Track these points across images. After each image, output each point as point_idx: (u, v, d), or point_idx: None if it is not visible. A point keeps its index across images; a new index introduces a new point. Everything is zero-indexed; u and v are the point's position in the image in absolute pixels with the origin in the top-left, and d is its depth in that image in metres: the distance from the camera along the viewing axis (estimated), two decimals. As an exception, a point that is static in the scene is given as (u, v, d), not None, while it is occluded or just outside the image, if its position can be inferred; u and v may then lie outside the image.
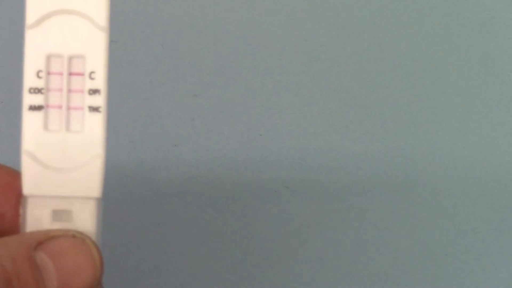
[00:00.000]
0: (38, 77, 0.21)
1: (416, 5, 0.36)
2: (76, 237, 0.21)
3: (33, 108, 0.21)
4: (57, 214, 0.21)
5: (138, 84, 0.36)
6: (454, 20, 0.36)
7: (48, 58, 0.21)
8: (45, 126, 0.21)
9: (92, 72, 0.21)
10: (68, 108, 0.21)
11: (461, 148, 0.37)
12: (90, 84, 0.21)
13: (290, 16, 0.37)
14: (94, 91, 0.21)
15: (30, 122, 0.21)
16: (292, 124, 0.37)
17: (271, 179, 0.37)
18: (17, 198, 0.22)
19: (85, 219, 0.22)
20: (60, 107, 0.21)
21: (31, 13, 0.21)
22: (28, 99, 0.21)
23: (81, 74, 0.21)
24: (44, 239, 0.21)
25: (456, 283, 0.38)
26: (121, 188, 0.35)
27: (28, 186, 0.21)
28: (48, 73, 0.21)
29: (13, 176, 0.22)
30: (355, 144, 0.37)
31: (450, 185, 0.38)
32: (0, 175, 0.24)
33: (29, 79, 0.21)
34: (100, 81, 0.22)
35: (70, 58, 0.21)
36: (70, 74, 0.21)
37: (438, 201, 0.38)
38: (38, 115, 0.21)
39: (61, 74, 0.21)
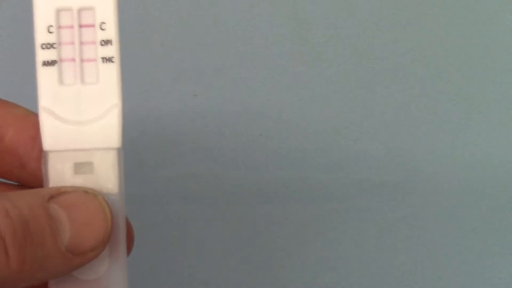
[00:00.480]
0: (49, 32, 0.21)
1: (416, 5, 0.36)
2: (88, 192, 0.21)
3: (47, 63, 0.21)
4: (78, 167, 0.22)
5: (138, 84, 0.36)
6: (454, 20, 0.36)
7: (58, 12, 0.21)
8: (60, 81, 0.21)
9: (102, 23, 0.21)
10: (82, 60, 0.21)
11: (461, 148, 0.37)
12: (101, 35, 0.21)
13: (290, 16, 0.37)
14: (106, 42, 0.21)
15: (45, 78, 0.21)
16: (292, 124, 0.37)
17: (271, 179, 0.37)
18: (40, 151, 0.22)
19: (106, 170, 0.22)
20: (73, 60, 0.21)
21: None
22: (41, 54, 0.21)
23: (92, 26, 0.21)
24: (56, 194, 0.21)
25: (456, 283, 0.38)
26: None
27: (48, 141, 0.21)
28: (59, 27, 0.21)
29: (37, 129, 0.22)
30: (355, 144, 0.37)
31: (450, 185, 0.38)
32: (24, 128, 0.24)
33: (40, 35, 0.21)
34: (111, 31, 0.21)
35: (80, 11, 0.21)
36: (81, 26, 0.21)
37: (438, 201, 0.38)
38: (52, 70, 0.21)
39: (71, 27, 0.21)
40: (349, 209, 0.37)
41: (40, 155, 0.22)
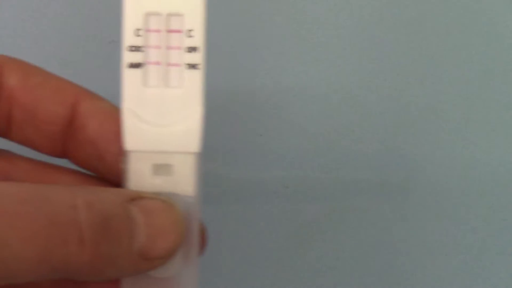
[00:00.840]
0: (137, 35, 0.21)
1: (416, 5, 0.36)
2: (166, 202, 0.21)
3: (133, 65, 0.21)
4: (157, 168, 0.22)
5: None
6: (454, 20, 0.36)
7: (147, 16, 0.21)
8: (144, 83, 0.22)
9: (190, 30, 0.21)
10: (167, 64, 0.22)
11: (461, 148, 0.37)
12: (188, 42, 0.21)
13: (290, 15, 0.37)
14: (192, 49, 0.21)
15: (130, 79, 0.22)
16: (292, 124, 0.37)
17: (271, 179, 0.37)
18: (119, 146, 0.22)
19: (185, 173, 0.22)
20: (158, 63, 0.21)
21: None
22: (128, 57, 0.21)
23: (179, 32, 0.21)
24: (136, 197, 0.21)
25: (456, 283, 0.38)
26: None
27: (129, 141, 0.22)
28: (147, 31, 0.21)
29: (119, 124, 0.22)
30: (355, 144, 0.37)
31: (450, 185, 0.38)
32: (107, 121, 0.24)
33: (128, 38, 0.21)
34: (198, 39, 0.21)
35: (169, 16, 0.21)
36: (168, 31, 0.21)
37: (438, 201, 0.38)
38: (137, 72, 0.21)
39: (159, 31, 0.21)
40: (349, 209, 0.37)
41: (120, 150, 0.22)
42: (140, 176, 0.22)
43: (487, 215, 0.38)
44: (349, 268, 0.38)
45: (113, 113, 0.24)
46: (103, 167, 0.24)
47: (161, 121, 0.22)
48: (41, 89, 0.24)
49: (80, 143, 0.24)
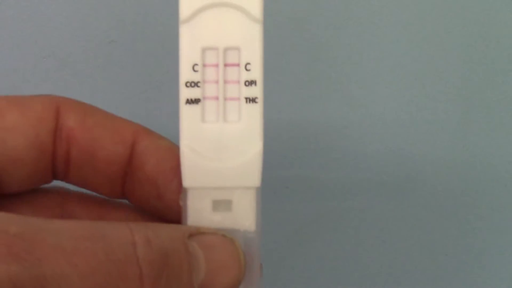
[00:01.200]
0: (194, 70, 0.21)
1: (416, 5, 0.36)
2: (226, 237, 0.21)
3: (190, 101, 0.21)
4: (217, 204, 0.22)
5: (138, 84, 0.36)
6: (454, 20, 0.36)
7: (203, 51, 0.21)
8: (203, 118, 0.21)
9: (247, 64, 0.21)
10: (225, 99, 0.21)
11: (461, 148, 0.37)
12: (246, 76, 0.21)
13: (290, 15, 0.37)
14: (250, 82, 0.21)
15: (188, 116, 0.21)
16: (292, 124, 0.37)
17: (271, 179, 0.37)
18: (178, 184, 0.22)
19: (245, 208, 0.22)
20: (216, 98, 0.21)
21: (184, 8, 0.21)
22: (185, 92, 0.21)
23: (237, 65, 0.21)
24: (196, 233, 0.21)
25: (456, 283, 0.38)
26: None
27: (188, 179, 0.21)
28: (204, 66, 0.21)
29: (178, 161, 0.22)
30: (355, 144, 0.37)
31: (450, 185, 0.38)
32: (166, 159, 0.24)
33: (185, 73, 0.21)
34: (256, 72, 0.21)
35: (225, 50, 0.21)
36: (226, 65, 0.21)
37: (438, 201, 0.38)
38: (195, 108, 0.21)
39: (216, 65, 0.21)
40: (349, 209, 0.37)
41: (179, 187, 0.22)
42: (199, 212, 0.22)
43: (487, 215, 0.38)
44: (349, 268, 0.38)
45: (171, 150, 0.24)
46: (162, 205, 0.24)
47: (220, 156, 0.21)
48: (100, 129, 0.24)
49: (138, 182, 0.24)
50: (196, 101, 0.21)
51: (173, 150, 0.23)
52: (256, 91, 0.21)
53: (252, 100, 0.21)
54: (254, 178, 0.22)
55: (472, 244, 0.38)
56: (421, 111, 0.37)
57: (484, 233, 0.38)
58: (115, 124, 0.25)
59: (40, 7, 0.35)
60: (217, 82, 0.21)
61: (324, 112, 0.37)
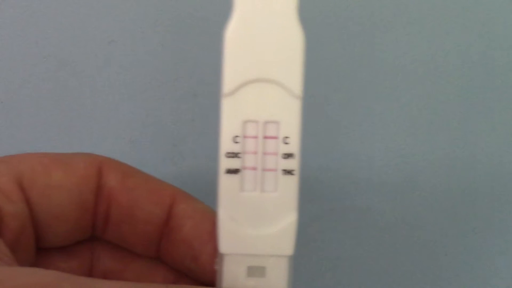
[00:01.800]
0: (235, 142, 0.22)
1: (416, 5, 0.36)
2: None
3: (230, 171, 0.22)
4: (251, 270, 0.22)
5: (138, 84, 0.36)
6: (454, 20, 0.36)
7: (244, 123, 0.22)
8: (241, 188, 0.22)
9: (286, 137, 0.22)
10: (263, 169, 0.22)
11: (461, 148, 0.37)
12: (284, 149, 0.22)
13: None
14: (288, 155, 0.22)
15: (227, 185, 0.22)
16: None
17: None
18: (214, 247, 0.23)
19: (277, 275, 0.23)
20: (255, 168, 0.22)
21: (228, 82, 0.22)
22: (225, 163, 0.22)
23: (275, 138, 0.22)
24: None
25: (456, 283, 0.38)
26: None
27: (225, 245, 0.22)
28: (244, 137, 0.22)
29: (213, 225, 0.23)
30: (355, 144, 0.37)
31: (450, 185, 0.38)
32: (202, 222, 0.25)
33: (226, 144, 0.22)
34: (294, 146, 0.22)
35: (265, 123, 0.22)
36: (265, 137, 0.22)
37: (438, 201, 0.38)
38: (235, 178, 0.22)
39: (256, 137, 0.22)
40: (349, 209, 0.37)
41: (214, 251, 0.23)
42: (234, 277, 0.22)
43: (487, 215, 0.38)
44: (349, 268, 0.38)
45: (207, 214, 0.25)
46: (197, 267, 0.25)
47: (256, 224, 0.22)
48: (139, 190, 0.25)
49: (174, 243, 0.25)
50: (235, 171, 0.22)
51: (209, 214, 0.25)
52: (293, 163, 0.22)
53: (289, 172, 0.22)
54: (287, 247, 0.22)
55: (472, 244, 0.38)
56: (421, 111, 0.37)
57: (484, 233, 0.38)
58: (154, 186, 0.26)
59: (40, 7, 0.35)
60: (256, 153, 0.22)
61: (323, 112, 0.37)
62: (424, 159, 0.37)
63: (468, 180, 0.37)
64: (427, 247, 0.38)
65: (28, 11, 0.35)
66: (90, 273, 0.27)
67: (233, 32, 0.22)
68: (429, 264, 0.38)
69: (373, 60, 0.37)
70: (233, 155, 0.22)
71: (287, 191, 0.22)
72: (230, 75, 0.22)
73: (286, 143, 0.22)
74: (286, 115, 0.22)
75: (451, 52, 0.37)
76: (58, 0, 0.35)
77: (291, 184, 0.22)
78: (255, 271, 0.22)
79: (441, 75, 0.37)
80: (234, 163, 0.22)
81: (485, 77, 0.37)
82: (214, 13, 0.35)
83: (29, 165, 0.24)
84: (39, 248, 0.25)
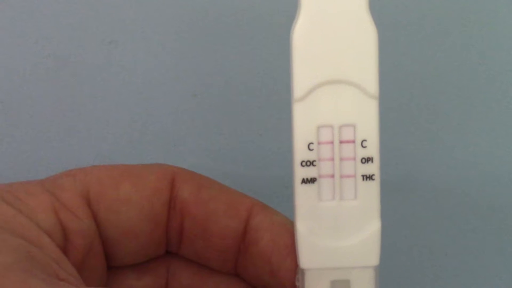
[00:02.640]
0: (309, 149, 0.21)
1: (416, 5, 0.36)
2: None
3: (306, 181, 0.21)
4: (335, 285, 0.21)
5: (138, 84, 0.36)
6: (454, 20, 0.36)
7: (318, 129, 0.21)
8: (319, 197, 0.21)
9: (364, 140, 0.21)
10: (341, 176, 0.21)
11: (461, 148, 0.37)
12: (362, 153, 0.21)
13: (290, 15, 0.37)
14: (367, 159, 0.21)
15: (304, 195, 0.21)
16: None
17: (271, 179, 0.37)
18: (293, 261, 0.22)
19: (363, 287, 0.21)
20: (332, 176, 0.21)
21: (299, 87, 0.21)
22: (301, 172, 0.21)
23: (352, 142, 0.21)
24: None
25: (456, 283, 0.38)
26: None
27: (305, 260, 0.21)
28: (319, 143, 0.21)
29: (293, 238, 0.21)
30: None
31: (450, 185, 0.38)
32: (281, 235, 0.24)
33: (301, 152, 0.21)
34: (373, 149, 0.21)
35: (341, 127, 0.21)
36: (341, 142, 0.21)
37: (438, 201, 0.38)
38: (312, 187, 0.21)
39: (331, 143, 0.21)
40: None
41: (293, 265, 0.22)
42: None
43: (487, 215, 0.38)
44: (349, 268, 0.38)
45: (286, 226, 0.24)
46: (275, 283, 0.24)
47: (337, 235, 0.21)
48: (214, 202, 0.24)
49: (251, 257, 0.24)
50: (312, 180, 0.21)
51: (288, 226, 0.23)
52: (373, 168, 0.21)
53: (369, 177, 0.21)
54: (372, 257, 0.21)
55: (472, 244, 0.38)
56: (421, 111, 0.37)
57: (484, 233, 0.38)
58: (230, 198, 0.24)
59: (40, 7, 0.35)
60: (332, 159, 0.21)
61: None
62: (424, 159, 0.37)
63: (468, 180, 0.37)
64: (427, 247, 0.38)
65: (28, 11, 0.35)
66: None
67: (301, 33, 0.21)
68: (429, 264, 0.38)
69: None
70: (309, 163, 0.21)
71: (368, 198, 0.21)
72: (301, 78, 0.20)
73: (364, 147, 0.21)
74: (362, 117, 0.21)
75: (451, 52, 0.37)
76: (58, 0, 0.35)
77: (372, 190, 0.21)
78: (339, 285, 0.21)
79: (441, 75, 0.37)
80: (310, 172, 0.21)
81: (485, 77, 0.37)
82: (214, 13, 0.35)
83: (96, 178, 0.23)
84: (110, 267, 0.24)
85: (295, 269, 0.22)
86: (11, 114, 0.36)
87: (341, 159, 0.21)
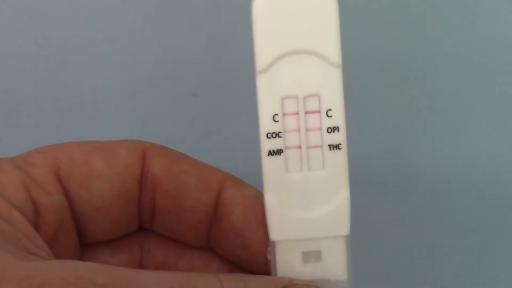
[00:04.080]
0: (274, 121, 0.21)
1: (416, 4, 0.36)
2: (319, 287, 0.21)
3: (273, 152, 0.21)
4: (306, 256, 0.21)
5: (138, 84, 0.36)
6: (454, 20, 0.36)
7: (283, 100, 0.21)
8: (286, 169, 0.21)
9: (329, 110, 0.21)
10: (307, 147, 0.21)
11: (461, 148, 0.37)
12: (328, 122, 0.21)
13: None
14: (333, 129, 0.21)
15: (271, 167, 0.21)
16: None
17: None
18: (265, 234, 0.22)
19: (335, 258, 0.22)
20: (299, 147, 0.21)
21: (261, 58, 0.20)
22: (267, 144, 0.21)
23: (318, 112, 0.21)
24: (289, 284, 0.21)
25: (456, 283, 0.38)
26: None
27: (275, 232, 0.21)
28: (284, 115, 0.21)
29: (264, 209, 0.21)
30: (355, 144, 0.37)
31: (450, 185, 0.38)
32: (252, 208, 0.24)
33: (266, 124, 0.21)
34: (338, 118, 0.21)
35: (305, 98, 0.21)
36: (306, 113, 0.21)
37: (438, 201, 0.38)
38: (278, 159, 0.21)
39: (297, 114, 0.21)
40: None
41: (265, 238, 0.22)
42: (288, 265, 0.21)
43: (487, 215, 0.38)
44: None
45: (257, 199, 0.23)
46: (247, 256, 0.24)
47: (307, 206, 0.21)
48: (186, 176, 0.24)
49: (224, 231, 0.24)
50: (278, 152, 0.21)
51: (259, 199, 0.23)
52: (340, 137, 0.21)
53: (336, 146, 0.21)
54: (343, 226, 0.21)
55: (472, 244, 0.38)
56: (421, 111, 0.37)
57: (484, 233, 0.38)
58: (201, 172, 0.24)
59: (40, 7, 0.35)
60: (298, 130, 0.21)
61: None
62: (424, 159, 0.37)
63: (468, 180, 0.37)
64: (427, 247, 0.38)
65: (28, 11, 0.35)
66: (140, 266, 0.25)
67: (261, 4, 0.20)
68: (429, 264, 0.38)
69: (372, 58, 0.36)
70: (274, 135, 0.21)
71: (336, 167, 0.21)
72: (262, 50, 0.20)
73: (330, 116, 0.21)
74: (326, 87, 0.21)
75: (451, 52, 0.37)
76: (58, 0, 0.35)
77: (340, 159, 0.21)
78: (311, 256, 0.21)
79: (441, 75, 0.37)
80: (276, 144, 0.21)
81: (485, 77, 0.37)
82: (215, 13, 0.35)
83: (68, 154, 0.23)
84: (85, 243, 0.24)
85: (267, 242, 0.22)
86: (11, 114, 0.36)
87: (307, 130, 0.21)
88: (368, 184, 0.37)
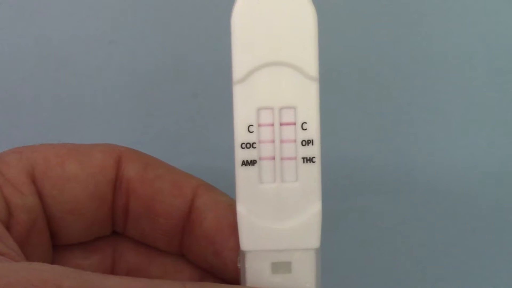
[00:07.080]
0: (249, 131, 0.21)
1: (416, 4, 0.36)
2: None
3: (246, 163, 0.21)
4: (276, 266, 0.21)
5: (138, 84, 0.36)
6: (454, 20, 0.36)
7: (258, 111, 0.21)
8: (259, 180, 0.21)
9: (304, 123, 0.21)
10: (281, 158, 0.21)
11: (461, 148, 0.37)
12: (302, 135, 0.21)
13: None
14: (307, 142, 0.21)
15: (244, 177, 0.21)
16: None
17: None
18: (236, 241, 0.22)
19: (305, 270, 0.22)
20: (272, 158, 0.21)
21: (238, 68, 0.20)
22: (241, 154, 0.21)
23: (293, 124, 0.21)
24: None
25: (456, 283, 0.38)
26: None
27: (246, 242, 0.21)
28: (259, 125, 0.21)
29: (235, 218, 0.21)
30: (355, 144, 0.37)
31: (450, 185, 0.38)
32: (225, 216, 0.24)
33: (240, 134, 0.21)
34: (313, 132, 0.21)
35: (281, 109, 0.21)
36: (281, 124, 0.21)
37: (438, 201, 0.38)
38: (252, 169, 0.21)
39: (272, 125, 0.21)
40: (349, 209, 0.37)
41: (236, 245, 0.22)
42: (258, 275, 0.21)
43: (487, 215, 0.38)
44: (349, 268, 0.38)
45: (230, 207, 0.23)
46: (218, 263, 0.24)
47: (278, 218, 0.21)
48: (160, 181, 0.24)
49: (196, 238, 0.24)
50: (252, 162, 0.21)
51: (232, 207, 0.23)
52: (314, 150, 0.21)
53: (310, 159, 0.21)
54: (313, 239, 0.21)
55: (472, 244, 0.38)
56: (421, 111, 0.37)
57: (484, 233, 0.38)
58: (176, 178, 0.24)
59: (40, 7, 0.35)
60: (273, 142, 0.21)
61: (323, 112, 0.37)
62: (424, 159, 0.37)
63: (468, 180, 0.37)
64: (427, 247, 0.38)
65: (28, 11, 0.35)
66: (112, 270, 0.25)
67: (240, 14, 0.21)
68: (429, 264, 0.38)
69: (372, 58, 0.36)
70: (249, 145, 0.21)
71: (308, 180, 0.21)
72: (240, 60, 0.20)
73: (304, 129, 0.21)
74: (302, 99, 0.21)
75: (451, 52, 0.37)
76: (57, 0, 0.35)
77: (313, 172, 0.21)
78: (280, 267, 0.21)
79: (441, 75, 0.37)
80: (250, 154, 0.21)
81: (485, 77, 0.37)
82: (215, 13, 0.35)
83: (43, 155, 0.23)
84: (57, 245, 0.24)
85: (238, 250, 0.22)
86: (11, 114, 0.36)
87: (282, 141, 0.21)
88: (368, 184, 0.37)
